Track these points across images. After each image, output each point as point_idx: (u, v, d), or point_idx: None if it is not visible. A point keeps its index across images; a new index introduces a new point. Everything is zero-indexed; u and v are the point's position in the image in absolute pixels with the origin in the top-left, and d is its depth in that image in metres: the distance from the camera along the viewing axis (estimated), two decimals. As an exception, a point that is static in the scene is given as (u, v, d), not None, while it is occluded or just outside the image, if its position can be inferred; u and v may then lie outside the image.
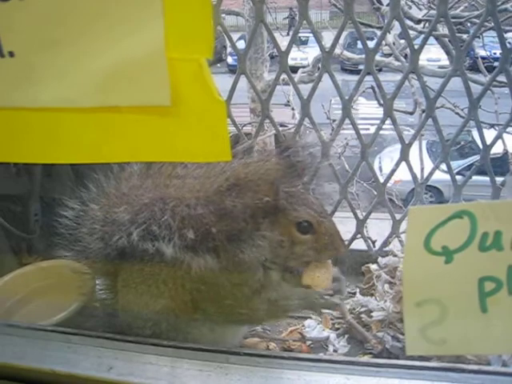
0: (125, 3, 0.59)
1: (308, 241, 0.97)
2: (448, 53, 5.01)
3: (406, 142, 1.23)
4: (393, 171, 1.27)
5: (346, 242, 1.35)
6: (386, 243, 1.35)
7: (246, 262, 0.93)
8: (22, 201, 1.42)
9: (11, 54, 0.66)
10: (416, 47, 1.13)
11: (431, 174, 1.26)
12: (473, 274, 0.70)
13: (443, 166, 1.27)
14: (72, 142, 0.70)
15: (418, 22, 4.92)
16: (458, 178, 1.27)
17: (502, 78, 1.17)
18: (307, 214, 0.96)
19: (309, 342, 1.21)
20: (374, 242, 1.54)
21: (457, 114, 4.91)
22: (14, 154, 0.76)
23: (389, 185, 1.35)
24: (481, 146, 1.20)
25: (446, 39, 4.74)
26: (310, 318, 1.27)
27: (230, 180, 0.92)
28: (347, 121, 1.21)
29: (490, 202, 0.87)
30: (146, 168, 1.01)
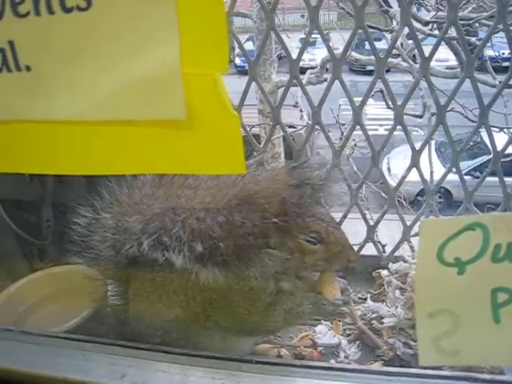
0: (140, 18, 0.60)
1: (318, 251, 0.97)
2: (456, 54, 4.99)
3: (416, 146, 1.23)
4: (403, 177, 1.27)
5: (357, 248, 1.36)
6: (396, 249, 1.35)
7: (253, 278, 0.93)
8: (35, 207, 1.43)
9: (28, 68, 0.67)
10: (426, 53, 1.12)
11: (442, 179, 1.26)
12: (485, 285, 0.70)
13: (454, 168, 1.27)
14: (85, 154, 0.71)
15: (426, 23, 4.90)
16: (467, 178, 1.27)
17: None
18: (316, 225, 0.97)
19: (320, 348, 1.21)
20: (383, 246, 1.54)
21: (466, 117, 4.90)
22: (28, 165, 0.77)
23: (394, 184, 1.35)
24: (492, 152, 1.20)
25: (455, 41, 4.71)
26: (321, 323, 1.27)
27: (239, 196, 0.93)
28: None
29: (503, 214, 0.87)
30: (159, 177, 1.02)
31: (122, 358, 0.93)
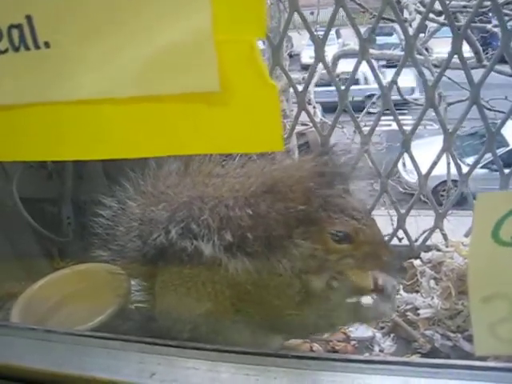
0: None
1: (344, 250, 0.90)
2: (471, 44, 4.92)
3: (431, 140, 1.19)
4: (435, 163, 1.21)
5: (387, 238, 1.31)
6: (428, 238, 1.30)
7: (280, 269, 0.89)
8: (54, 204, 1.41)
9: (47, 45, 0.63)
10: (439, 47, 1.08)
11: (476, 163, 1.20)
12: (544, 266, 0.64)
13: (469, 161, 1.22)
14: (114, 137, 0.67)
15: (439, 13, 4.84)
16: (485, 171, 1.22)
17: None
18: (342, 223, 0.89)
19: (353, 342, 1.17)
20: (401, 239, 1.47)
21: (483, 106, 4.80)
22: (53, 152, 0.73)
23: (413, 181, 1.30)
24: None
25: (469, 30, 4.65)
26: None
27: (266, 183, 0.89)
28: (367, 117, 1.18)
29: None
30: (184, 166, 0.99)
31: (150, 355, 0.89)
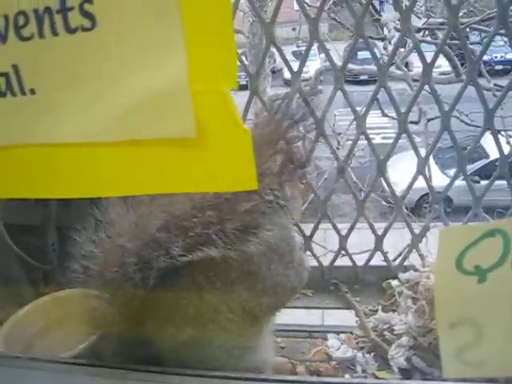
0: (145, 36, 0.59)
1: None
2: (450, 59, 5.01)
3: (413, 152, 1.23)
4: (409, 186, 1.26)
5: (365, 259, 1.35)
6: (405, 259, 1.33)
7: None
8: (39, 231, 1.41)
9: (32, 92, 0.66)
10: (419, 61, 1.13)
11: (449, 186, 1.25)
12: (507, 293, 0.68)
13: (451, 173, 1.26)
14: (90, 177, 0.70)
15: (418, 30, 4.94)
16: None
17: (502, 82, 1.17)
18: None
19: (334, 363, 1.19)
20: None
21: (462, 121, 4.91)
22: (39, 190, 0.76)
23: (397, 193, 1.33)
24: (498, 155, 1.19)
25: (447, 46, 4.75)
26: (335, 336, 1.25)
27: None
28: (353, 131, 1.21)
29: (522, 219, 0.86)
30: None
31: (133, 381, 0.91)
